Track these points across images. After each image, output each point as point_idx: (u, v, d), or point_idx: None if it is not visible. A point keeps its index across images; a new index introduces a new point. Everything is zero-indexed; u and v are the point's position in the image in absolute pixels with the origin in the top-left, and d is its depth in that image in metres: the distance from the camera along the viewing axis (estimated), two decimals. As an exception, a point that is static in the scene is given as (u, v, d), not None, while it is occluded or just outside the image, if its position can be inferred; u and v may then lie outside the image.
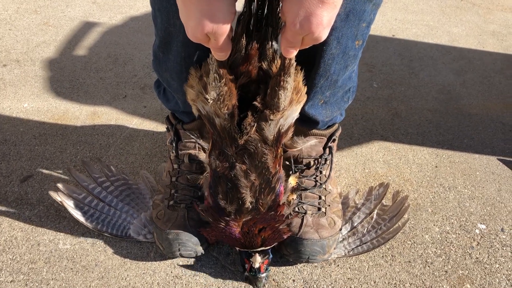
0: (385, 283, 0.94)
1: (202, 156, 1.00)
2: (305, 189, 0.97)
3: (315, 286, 0.93)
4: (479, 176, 1.20)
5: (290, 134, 0.82)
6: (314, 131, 0.97)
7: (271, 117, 0.72)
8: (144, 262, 0.95)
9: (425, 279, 0.95)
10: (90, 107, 1.39)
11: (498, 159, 1.26)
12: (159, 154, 1.21)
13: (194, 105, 0.77)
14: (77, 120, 1.33)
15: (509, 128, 1.37)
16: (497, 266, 0.98)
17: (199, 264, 0.95)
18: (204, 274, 0.93)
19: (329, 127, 1.00)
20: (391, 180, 1.17)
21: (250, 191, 0.78)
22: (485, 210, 1.10)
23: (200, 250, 0.93)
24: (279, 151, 0.79)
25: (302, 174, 0.99)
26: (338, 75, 0.85)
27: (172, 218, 0.94)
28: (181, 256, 0.92)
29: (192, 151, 1.00)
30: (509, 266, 0.98)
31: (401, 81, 1.59)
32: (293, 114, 0.77)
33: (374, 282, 0.94)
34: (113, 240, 0.98)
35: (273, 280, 0.93)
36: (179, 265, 0.95)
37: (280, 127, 0.75)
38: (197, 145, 0.99)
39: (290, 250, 0.92)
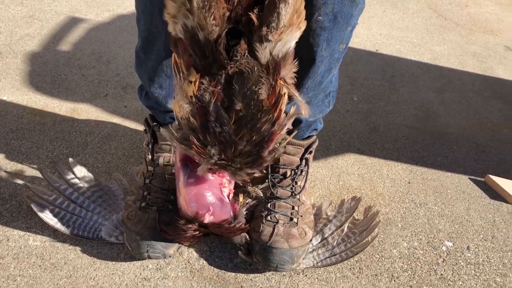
0: (350, 295, 0.96)
1: (178, 160, 1.01)
2: (280, 199, 0.99)
3: (282, 295, 0.94)
4: (450, 194, 1.23)
5: (288, 68, 0.69)
6: (293, 140, 0.98)
7: (268, 37, 0.63)
8: (114, 263, 0.95)
9: (390, 293, 0.97)
10: (70, 103, 1.38)
11: (469, 178, 1.29)
12: (136, 155, 1.21)
13: (175, 22, 0.66)
14: (56, 116, 1.32)
15: (482, 148, 1.40)
16: (460, 283, 1.00)
17: (168, 268, 0.96)
18: (173, 277, 0.94)
19: (307, 138, 1.01)
20: (364, 193, 1.19)
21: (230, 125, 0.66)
22: (453, 228, 1.13)
23: (169, 253, 0.93)
24: (277, 84, 0.66)
25: (278, 184, 1.00)
26: (322, 77, 0.87)
27: (143, 220, 0.94)
28: (149, 257, 0.92)
29: (167, 154, 1.00)
30: (472, 284, 1.00)
31: (381, 96, 1.61)
32: (292, 41, 0.67)
33: (340, 294, 0.96)
34: (82, 240, 0.98)
35: (241, 286, 0.94)
36: (149, 267, 0.95)
37: (277, 54, 0.66)
38: (173, 148, 1.00)
39: (259, 258, 0.93)
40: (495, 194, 1.25)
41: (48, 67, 1.54)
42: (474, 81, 1.76)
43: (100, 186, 1.06)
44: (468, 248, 1.09)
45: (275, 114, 0.65)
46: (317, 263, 0.98)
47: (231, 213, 0.87)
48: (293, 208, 0.99)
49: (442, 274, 1.02)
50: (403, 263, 1.03)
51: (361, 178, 1.24)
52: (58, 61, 1.57)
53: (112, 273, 0.93)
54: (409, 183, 1.25)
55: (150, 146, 1.01)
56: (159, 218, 0.94)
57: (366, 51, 1.89)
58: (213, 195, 0.84)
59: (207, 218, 0.84)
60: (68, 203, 1.00)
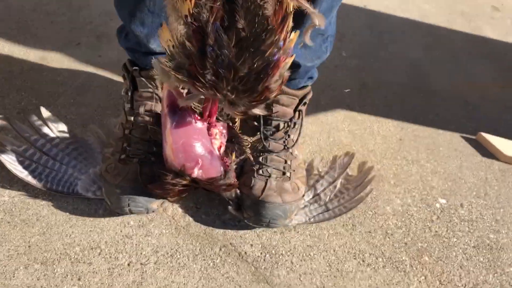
0: (344, 252, 0.91)
1: (159, 108, 0.92)
2: (272, 152, 0.92)
3: (273, 251, 0.89)
4: (442, 152, 1.19)
5: None
6: (287, 89, 0.91)
7: None
8: (92, 219, 0.88)
9: (384, 250, 0.93)
10: (38, 51, 1.26)
11: (461, 136, 1.25)
12: (113, 107, 1.12)
13: None
14: (24, 64, 1.21)
15: (472, 107, 1.37)
16: (454, 240, 0.97)
17: (152, 224, 0.89)
18: (157, 234, 0.87)
19: (302, 88, 0.95)
20: (355, 150, 1.14)
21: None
22: (446, 185, 1.10)
23: (152, 207, 0.86)
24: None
25: (271, 137, 0.93)
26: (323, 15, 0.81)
27: (123, 172, 0.86)
28: (131, 212, 0.85)
29: (148, 102, 0.92)
30: (466, 240, 0.97)
31: (370, 53, 1.55)
32: None
33: (334, 251, 0.91)
34: (58, 195, 0.90)
35: (230, 244, 0.88)
36: (130, 224, 0.88)
37: None
38: (154, 95, 0.91)
39: (250, 213, 0.87)
40: (487, 152, 1.22)
41: (12, 12, 1.40)
42: (463, 40, 1.71)
43: (75, 139, 0.97)
44: (461, 205, 1.06)
45: (282, 36, 0.57)
46: (309, 219, 0.93)
47: (221, 168, 0.80)
48: (285, 162, 0.93)
49: (436, 231, 0.98)
50: (397, 220, 0.99)
51: (351, 134, 1.19)
52: (24, 6, 1.44)
53: (90, 230, 0.86)
54: (400, 140, 1.20)
55: (129, 94, 0.92)
56: (141, 171, 0.86)
57: (354, 6, 1.81)
58: (202, 146, 0.76)
59: (196, 172, 0.77)
60: (40, 155, 0.91)
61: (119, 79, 1.17)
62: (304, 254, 0.89)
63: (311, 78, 0.97)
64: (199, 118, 0.76)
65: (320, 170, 1.03)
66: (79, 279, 0.78)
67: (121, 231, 0.86)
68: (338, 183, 0.99)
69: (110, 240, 0.85)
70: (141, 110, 0.91)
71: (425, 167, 1.14)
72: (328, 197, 0.97)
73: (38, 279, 0.77)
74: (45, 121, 0.97)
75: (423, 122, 1.27)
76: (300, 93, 0.94)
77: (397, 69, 1.48)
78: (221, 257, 0.86)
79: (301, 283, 0.84)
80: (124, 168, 0.86)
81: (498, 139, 1.23)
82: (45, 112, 0.98)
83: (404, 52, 1.59)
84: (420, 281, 0.88)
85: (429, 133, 1.24)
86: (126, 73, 0.93)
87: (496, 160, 1.20)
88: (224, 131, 0.83)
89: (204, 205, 0.94)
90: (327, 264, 0.88)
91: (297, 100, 0.94)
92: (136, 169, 0.86)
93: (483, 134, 1.24)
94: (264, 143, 0.93)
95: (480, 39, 1.76)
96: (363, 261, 0.90)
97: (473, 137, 1.26)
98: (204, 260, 0.85)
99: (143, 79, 0.90)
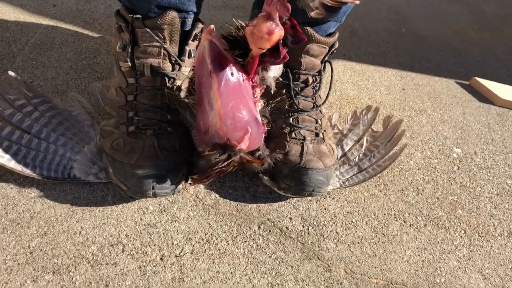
0: (384, 214, 0.84)
1: (168, 67, 0.75)
2: (303, 111, 0.80)
3: (315, 223, 0.79)
4: (444, 100, 1.15)
5: None
6: (319, 36, 0.78)
7: None
8: (101, 209, 0.70)
9: (421, 208, 0.87)
10: (-30, 2, 0.99)
11: (456, 82, 1.22)
12: (88, 68, 0.91)
13: None
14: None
15: (458, 51, 1.34)
16: (479, 189, 0.95)
17: (175, 207, 0.74)
18: (184, 219, 0.73)
19: (332, 34, 0.82)
20: (364, 103, 1.06)
21: None
22: (456, 134, 1.06)
23: (178, 188, 0.71)
24: None
25: (301, 94, 0.81)
26: None
27: (137, 148, 0.69)
28: (154, 196, 0.69)
29: (155, 60, 0.74)
30: (489, 188, 0.95)
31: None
32: None
33: (374, 214, 0.83)
34: (48, 183, 0.71)
35: (268, 220, 0.77)
36: (149, 210, 0.72)
37: None
38: (162, 51, 0.74)
39: (290, 183, 0.75)
40: (482, 96, 1.21)
41: None
42: (431, -16, 1.68)
43: (57, 110, 0.77)
44: (475, 153, 1.03)
45: None
46: (343, 183, 0.84)
47: (263, 136, 0.67)
48: (316, 122, 0.81)
49: (461, 182, 0.95)
50: (423, 175, 0.94)
51: (356, 86, 1.10)
52: None
53: (104, 223, 0.69)
54: (403, 89, 1.14)
55: (129, 50, 0.73)
56: (159, 145, 0.70)
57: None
58: (250, 112, 0.62)
59: (245, 143, 0.63)
60: (20, 134, 0.70)
61: (86, 32, 0.96)
62: (346, 222, 0.80)
63: (340, 22, 0.85)
64: (246, 75, 0.62)
65: (341, 127, 0.93)
66: (106, 286, 0.62)
67: (141, 220, 0.71)
68: (364, 141, 0.90)
69: (131, 233, 0.68)
70: (147, 70, 0.73)
71: (433, 116, 1.09)
72: (356, 157, 0.88)
73: (54, 294, 0.60)
74: (18, 89, 0.75)
75: (419, 70, 1.22)
76: (331, 40, 0.81)
77: (380, 14, 1.40)
78: (262, 236, 0.74)
79: (352, 254, 0.76)
80: (138, 143, 0.69)
81: (492, 83, 1.22)
82: (15, 78, 0.75)
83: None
84: (461, 236, 0.84)
85: (427, 81, 1.19)
86: (123, 23, 0.73)
87: (492, 104, 1.19)
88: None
89: (228, 179, 0.81)
90: (372, 230, 0.81)
91: (327, 49, 0.82)
92: (153, 143, 0.70)
93: (477, 79, 1.22)
94: (294, 101, 0.80)
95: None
96: (404, 222, 0.84)
97: (467, 82, 1.24)
98: (245, 242, 0.72)
99: (149, 30, 0.72)
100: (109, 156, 0.70)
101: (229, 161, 0.63)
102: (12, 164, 0.67)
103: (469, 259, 0.80)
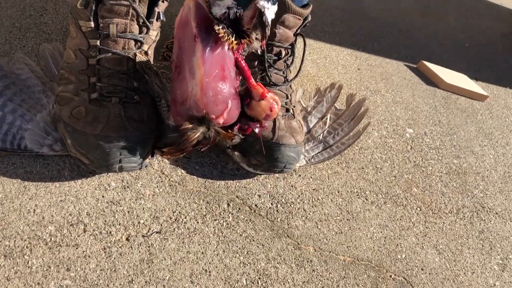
0: (348, 192, 0.84)
1: (136, 29, 0.68)
2: (275, 85, 0.77)
3: (283, 200, 0.77)
4: (395, 81, 1.18)
5: None
6: (295, 7, 0.75)
7: None
8: (58, 185, 0.63)
9: (380, 185, 0.89)
10: None
11: (405, 65, 1.26)
12: (34, 27, 0.80)
13: None
14: None
15: (405, 34, 1.38)
16: (430, 168, 0.99)
17: (139, 184, 0.68)
18: (150, 196, 0.67)
19: (306, 6, 0.79)
20: (323, 81, 1.05)
21: None
22: (408, 115, 1.09)
23: (146, 162, 0.65)
24: None
25: (274, 66, 0.78)
26: None
27: (102, 117, 0.62)
28: (120, 170, 0.63)
29: (122, 20, 0.67)
30: (438, 167, 1.00)
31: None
32: None
33: (338, 192, 0.84)
34: (-5, 155, 0.62)
35: (237, 197, 0.74)
36: (112, 186, 0.66)
37: None
38: (131, 10, 0.67)
39: (261, 159, 0.73)
40: (428, 80, 1.25)
41: None
42: (378, -33, 1.71)
43: (3, 72, 0.67)
44: (425, 133, 1.07)
45: None
46: (309, 160, 0.83)
47: (239, 110, 0.64)
48: (287, 97, 0.79)
49: (415, 162, 0.98)
50: (380, 153, 0.96)
51: (315, 64, 1.09)
52: None
53: (61, 201, 0.62)
54: (358, 69, 1.15)
55: (93, 7, 0.65)
56: (125, 114, 0.64)
57: None
58: (230, 84, 0.59)
59: (223, 119, 0.59)
60: (-40, 98, 0.60)
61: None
62: (313, 200, 0.80)
63: None
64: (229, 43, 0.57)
65: (305, 104, 0.92)
66: (68, 270, 0.56)
67: (103, 197, 0.64)
68: (328, 119, 0.90)
69: (92, 211, 0.62)
70: (113, 30, 0.65)
71: (386, 97, 1.12)
72: (321, 134, 0.87)
73: (8, 280, 0.53)
74: None
75: (372, 51, 1.24)
76: (306, 12, 0.78)
77: (332, -8, 1.40)
78: (232, 214, 0.71)
79: (320, 232, 0.75)
80: (102, 112, 0.62)
81: (438, 67, 1.27)
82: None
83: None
84: (417, 213, 0.87)
85: (380, 62, 1.22)
86: (84, -24, 0.65)
87: (437, 87, 1.24)
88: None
89: (194, 154, 0.76)
90: (337, 208, 0.81)
91: (301, 21, 0.79)
92: (120, 112, 0.63)
93: (425, 62, 1.26)
94: (268, 74, 0.77)
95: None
96: (366, 199, 0.85)
97: (414, 65, 1.28)
98: (215, 220, 0.69)
99: (114, -14, 0.64)
100: (68, 126, 0.62)
101: (205, 136, 0.59)
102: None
103: (425, 235, 0.84)
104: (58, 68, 0.74)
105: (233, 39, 0.55)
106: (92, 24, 0.65)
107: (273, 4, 0.53)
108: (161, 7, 0.70)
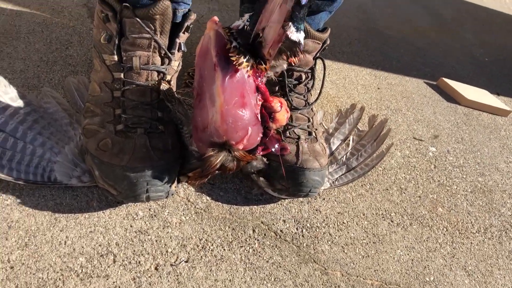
0: (373, 214, 0.84)
1: (158, 61, 0.69)
2: (296, 109, 0.78)
3: (308, 225, 0.77)
4: (416, 99, 1.17)
5: None
6: (314, 31, 0.76)
7: None
8: (87, 216, 0.64)
9: (405, 207, 0.88)
10: None
11: (425, 82, 1.25)
12: (60, 60, 0.83)
13: None
14: None
15: (423, 52, 1.38)
16: (455, 187, 0.97)
17: (166, 212, 0.69)
18: (177, 224, 0.68)
19: (324, 30, 0.80)
20: (343, 102, 1.05)
21: None
22: (430, 133, 1.09)
23: (172, 190, 0.66)
24: None
25: (294, 91, 0.78)
26: None
27: (128, 148, 0.64)
28: (148, 200, 0.63)
29: (144, 53, 0.69)
30: (463, 186, 0.98)
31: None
32: None
33: (363, 215, 0.83)
34: (26, 188, 0.64)
35: (262, 223, 0.74)
36: (139, 215, 0.67)
37: None
38: (152, 43, 0.68)
39: (286, 184, 0.73)
40: (449, 96, 1.24)
41: None
42: (392, -15, 1.72)
43: (32, 107, 0.69)
44: (448, 151, 1.06)
45: None
46: (333, 182, 0.83)
47: (260, 135, 0.64)
48: (309, 120, 0.79)
49: (439, 181, 0.97)
50: (404, 174, 0.95)
51: (335, 85, 1.10)
52: None
53: (91, 231, 0.63)
54: (378, 88, 1.15)
55: (116, 41, 0.67)
56: (151, 144, 0.65)
57: None
58: (250, 110, 0.59)
59: (244, 143, 0.60)
60: (-7, 134, 0.62)
61: (55, 21, 0.88)
62: (338, 223, 0.79)
63: (331, 12, 0.83)
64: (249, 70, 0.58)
65: (327, 126, 0.92)
66: (99, 301, 0.57)
67: (131, 227, 0.65)
68: (351, 140, 0.90)
69: (121, 241, 0.63)
70: (136, 63, 0.67)
71: (407, 115, 1.11)
72: (344, 156, 0.87)
73: (42, 313, 0.54)
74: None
75: (391, 69, 1.24)
76: (325, 36, 0.79)
77: (349, 13, 1.41)
78: (258, 240, 0.71)
79: (346, 256, 0.75)
80: (128, 143, 0.64)
81: (458, 84, 1.26)
82: (-17, 71, 0.67)
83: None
84: (444, 234, 0.86)
85: (399, 80, 1.21)
86: (109, 12, 0.67)
87: (458, 104, 1.23)
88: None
89: (218, 180, 0.77)
90: (363, 231, 0.80)
91: (320, 45, 0.80)
92: (145, 142, 0.64)
93: (445, 79, 1.25)
94: (289, 99, 0.78)
95: (403, -16, 1.78)
96: (391, 221, 0.84)
97: (434, 82, 1.27)
98: (241, 247, 0.69)
99: (139, 20, 0.66)
100: (95, 158, 0.64)
101: (227, 160, 0.60)
102: (-16, 166, 0.59)
103: (453, 257, 0.82)
104: (83, 100, 0.76)
105: (245, 60, 0.55)
106: (116, 57, 0.67)
107: (298, 31, 0.54)
108: (182, 38, 0.72)
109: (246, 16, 0.58)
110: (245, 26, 0.57)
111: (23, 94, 0.70)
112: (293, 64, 0.77)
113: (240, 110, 0.58)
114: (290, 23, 0.52)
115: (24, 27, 0.86)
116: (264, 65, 0.58)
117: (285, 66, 0.62)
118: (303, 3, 0.51)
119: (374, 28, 1.39)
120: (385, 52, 1.31)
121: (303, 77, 0.80)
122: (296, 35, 0.54)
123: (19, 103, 0.68)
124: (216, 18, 0.57)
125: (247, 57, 0.56)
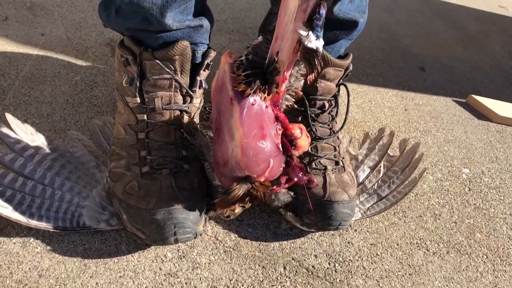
0: (407, 243, 0.81)
1: (180, 99, 0.69)
2: (321, 139, 0.76)
3: (341, 259, 0.74)
4: (445, 119, 1.14)
5: None
6: (334, 59, 0.75)
7: None
8: (116, 261, 0.64)
9: (441, 234, 0.84)
10: None
11: (453, 100, 1.22)
12: (86, 102, 0.84)
13: None
14: None
15: (450, 69, 1.35)
16: (492, 210, 0.93)
17: (195, 252, 0.68)
18: (206, 264, 0.67)
19: (345, 57, 0.79)
20: (370, 126, 1.03)
21: None
22: (462, 154, 1.05)
23: (200, 230, 0.65)
24: None
25: (318, 120, 0.77)
26: None
27: (154, 191, 0.63)
28: (176, 242, 0.63)
29: (166, 93, 0.69)
30: (502, 209, 0.94)
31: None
32: None
33: (397, 245, 0.80)
34: (55, 234, 0.64)
35: (292, 259, 0.72)
36: (168, 257, 0.66)
37: None
38: (173, 83, 0.68)
39: (315, 218, 0.71)
40: (479, 114, 1.21)
41: None
42: (414, 1, 1.69)
43: (59, 152, 0.70)
44: (483, 172, 1.02)
45: None
46: (364, 212, 0.81)
47: (282, 165, 0.63)
48: (335, 149, 0.78)
49: (475, 204, 0.93)
50: (438, 198, 0.92)
51: (360, 109, 1.08)
52: None
53: (120, 276, 0.62)
54: (406, 110, 1.12)
55: (138, 84, 0.68)
56: (177, 184, 0.65)
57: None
58: (271, 142, 0.58)
59: (266, 175, 0.59)
60: (23, 181, 0.63)
61: (79, 63, 0.90)
62: (371, 255, 0.77)
63: (351, 39, 0.82)
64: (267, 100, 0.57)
65: (355, 152, 0.90)
66: None
67: (160, 269, 0.64)
68: (382, 167, 0.87)
69: (151, 285, 0.62)
70: (158, 103, 0.67)
71: (438, 136, 1.08)
72: (375, 184, 0.85)
73: None
74: (14, 131, 0.68)
75: (417, 89, 1.21)
76: (346, 63, 0.78)
77: (371, 33, 1.40)
78: (289, 278, 0.69)
79: (382, 290, 0.72)
80: (154, 185, 0.64)
81: (488, 100, 1.22)
82: (12, 120, 0.68)
83: (370, 16, 1.50)
84: (484, 261, 0.82)
85: (427, 100, 1.18)
86: (129, 56, 0.67)
87: (490, 121, 1.19)
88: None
89: (246, 216, 0.76)
90: (398, 262, 0.77)
91: (342, 72, 0.79)
92: (171, 183, 0.64)
93: (474, 96, 1.22)
94: (312, 129, 0.76)
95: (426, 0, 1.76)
96: (427, 250, 0.81)
97: (463, 100, 1.24)
98: (273, 286, 0.67)
99: (159, 62, 0.66)
100: (122, 202, 0.64)
101: (250, 192, 0.59)
102: (16, 215, 0.60)
103: (495, 286, 0.78)
104: (109, 141, 0.77)
105: (256, 85, 0.55)
106: (138, 99, 0.68)
107: (317, 38, 0.52)
108: (202, 76, 0.72)
109: (260, 38, 0.57)
110: (258, 51, 0.56)
111: (50, 140, 0.71)
112: (309, 83, 0.75)
113: (260, 142, 0.57)
114: (309, 31, 0.50)
115: (50, 70, 0.88)
116: (277, 89, 0.57)
117: (301, 83, 0.61)
118: (321, 12, 0.49)
119: (398, 47, 1.37)
120: (411, 71, 1.28)
121: (327, 105, 0.78)
122: (315, 43, 0.52)
123: (46, 149, 0.69)
124: (230, 51, 0.57)
125: (258, 84, 0.55)
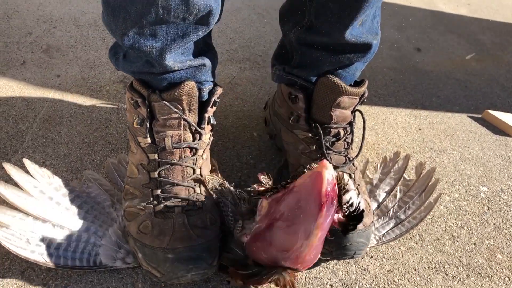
0: (425, 268, 0.80)
1: (189, 137, 0.71)
2: (336, 167, 0.77)
3: (357, 287, 0.74)
4: (461, 136, 1.13)
5: None
6: (349, 88, 0.75)
7: None
8: (132, 299, 0.65)
9: (460, 256, 0.83)
10: (-30, 80, 0.95)
11: (468, 116, 1.21)
12: (101, 140, 0.87)
13: None
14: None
15: (464, 84, 1.33)
16: (514, 229, 0.91)
17: (210, 286, 0.69)
18: (221, 300, 0.68)
19: (360, 84, 0.80)
20: (384, 148, 1.03)
21: None
22: (480, 171, 1.03)
23: (213, 269, 0.66)
24: None
25: (332, 149, 0.77)
26: None
27: (167, 230, 0.65)
28: (191, 280, 0.64)
29: (175, 132, 0.71)
30: (523, 228, 0.92)
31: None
32: None
33: (415, 270, 0.79)
34: (73, 274, 0.66)
35: (308, 290, 0.72)
36: (183, 293, 0.67)
37: None
38: (182, 122, 0.70)
39: (330, 247, 0.71)
40: (497, 129, 1.19)
41: None
42: (426, 17, 1.69)
43: (76, 193, 0.72)
44: (502, 190, 1.00)
45: None
46: (380, 238, 0.80)
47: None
48: (350, 176, 0.78)
49: (494, 224, 0.91)
50: (455, 220, 0.90)
51: (373, 131, 1.08)
52: None
53: (137, 315, 0.63)
54: (419, 129, 1.12)
55: (148, 125, 0.70)
56: (189, 222, 0.66)
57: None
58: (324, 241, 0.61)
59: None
60: (41, 223, 0.65)
61: (94, 102, 0.93)
62: (388, 282, 0.76)
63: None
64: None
65: (371, 176, 0.90)
66: None
67: (176, 306, 0.65)
68: (398, 191, 0.87)
69: (168, 322, 0.63)
70: (168, 143, 0.69)
71: (453, 155, 1.07)
72: (391, 209, 0.84)
73: None
74: (32, 176, 0.70)
75: (431, 107, 1.20)
76: (361, 90, 0.78)
77: (382, 53, 1.40)
78: (305, 309, 0.69)
79: (401, 319, 0.71)
80: (167, 224, 0.65)
81: (505, 114, 1.20)
82: (29, 165, 0.71)
83: (381, 34, 1.51)
84: (507, 284, 0.80)
85: (441, 118, 1.17)
86: (138, 99, 0.69)
87: (508, 136, 1.17)
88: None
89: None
90: (416, 288, 0.76)
91: (357, 100, 0.79)
92: (184, 221, 0.65)
93: (490, 111, 1.20)
94: (327, 158, 0.77)
95: (438, 14, 1.75)
96: (446, 274, 0.80)
97: (479, 115, 1.22)
98: (288, 319, 0.67)
99: (167, 103, 0.68)
100: (137, 241, 0.65)
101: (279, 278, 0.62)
102: (35, 256, 0.62)
103: (519, 310, 0.76)
104: (124, 179, 0.79)
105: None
106: (149, 140, 0.70)
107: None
108: (210, 112, 0.73)
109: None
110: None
111: (66, 182, 0.73)
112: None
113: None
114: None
115: (66, 111, 0.91)
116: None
117: None
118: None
119: (410, 65, 1.36)
120: (424, 89, 1.28)
121: (342, 133, 0.78)
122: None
123: (62, 191, 0.71)
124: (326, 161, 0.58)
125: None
